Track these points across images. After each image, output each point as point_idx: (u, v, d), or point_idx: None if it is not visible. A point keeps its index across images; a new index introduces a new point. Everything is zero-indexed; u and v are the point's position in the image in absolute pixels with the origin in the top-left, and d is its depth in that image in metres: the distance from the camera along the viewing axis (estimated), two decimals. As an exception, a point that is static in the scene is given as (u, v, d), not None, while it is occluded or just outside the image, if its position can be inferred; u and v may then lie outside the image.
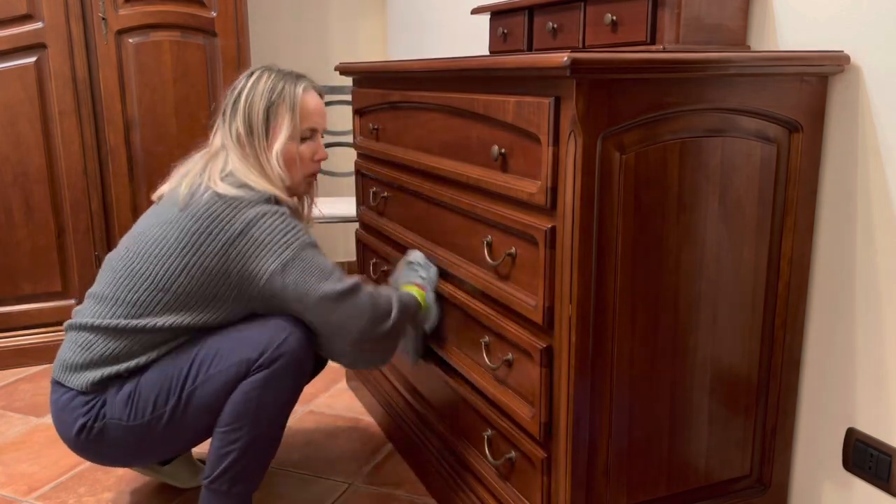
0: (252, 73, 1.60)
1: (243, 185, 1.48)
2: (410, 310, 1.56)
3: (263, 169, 1.53)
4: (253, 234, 1.43)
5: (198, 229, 1.42)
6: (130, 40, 2.48)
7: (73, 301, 2.56)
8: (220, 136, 1.58)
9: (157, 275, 1.43)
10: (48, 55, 2.40)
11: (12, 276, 2.49)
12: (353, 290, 1.46)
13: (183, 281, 1.43)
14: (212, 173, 1.49)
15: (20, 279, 2.50)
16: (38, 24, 2.37)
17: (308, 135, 1.61)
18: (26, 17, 2.36)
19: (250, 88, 1.57)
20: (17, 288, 2.50)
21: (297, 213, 1.58)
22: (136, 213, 2.58)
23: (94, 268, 2.56)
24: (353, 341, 1.47)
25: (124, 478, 1.85)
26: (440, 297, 1.63)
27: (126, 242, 1.52)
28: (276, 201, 1.50)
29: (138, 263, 1.45)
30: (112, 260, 1.51)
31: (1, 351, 2.51)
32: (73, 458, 1.93)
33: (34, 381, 2.44)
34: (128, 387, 1.43)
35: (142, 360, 1.44)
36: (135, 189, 2.57)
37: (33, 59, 2.39)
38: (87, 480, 1.84)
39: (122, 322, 1.43)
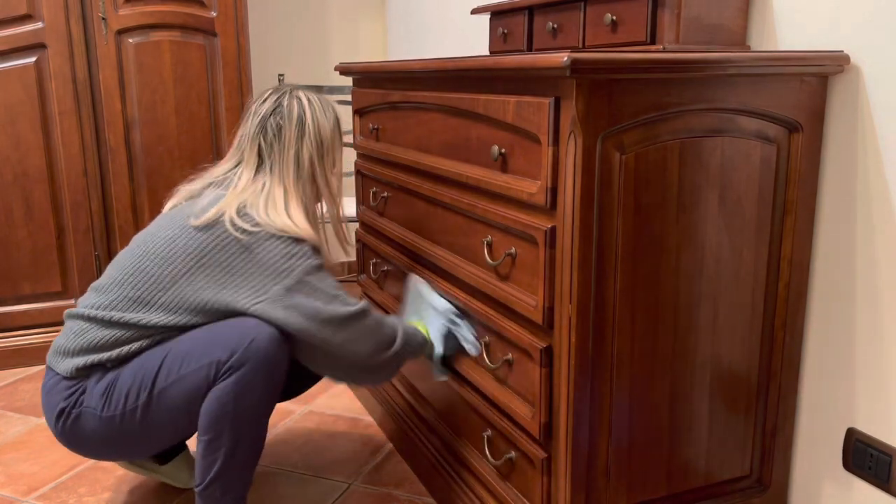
0: (290, 93, 1.56)
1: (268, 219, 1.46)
2: (414, 342, 1.56)
3: (307, 205, 1.54)
4: (258, 254, 1.42)
5: (209, 239, 1.44)
6: (130, 40, 2.47)
7: (72, 301, 2.56)
8: (267, 167, 1.53)
9: (160, 274, 1.44)
10: (48, 55, 2.40)
11: (12, 276, 2.49)
12: (358, 315, 1.46)
13: (183, 283, 1.43)
14: (253, 202, 1.48)
15: (20, 279, 2.50)
16: (38, 24, 2.37)
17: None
18: (26, 17, 2.36)
19: (310, 108, 1.55)
20: (17, 288, 2.50)
21: (318, 249, 1.50)
22: (136, 213, 2.58)
23: (94, 268, 2.56)
24: (350, 365, 1.48)
25: (124, 478, 1.85)
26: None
27: (138, 240, 1.53)
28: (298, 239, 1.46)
29: (146, 262, 1.46)
30: (121, 256, 1.53)
31: (1, 351, 2.51)
32: (73, 458, 1.93)
33: (34, 381, 2.44)
34: (107, 378, 1.45)
35: (124, 350, 1.45)
36: (135, 189, 2.57)
37: (33, 59, 2.39)
38: (87, 480, 1.84)
39: (117, 315, 1.45)
